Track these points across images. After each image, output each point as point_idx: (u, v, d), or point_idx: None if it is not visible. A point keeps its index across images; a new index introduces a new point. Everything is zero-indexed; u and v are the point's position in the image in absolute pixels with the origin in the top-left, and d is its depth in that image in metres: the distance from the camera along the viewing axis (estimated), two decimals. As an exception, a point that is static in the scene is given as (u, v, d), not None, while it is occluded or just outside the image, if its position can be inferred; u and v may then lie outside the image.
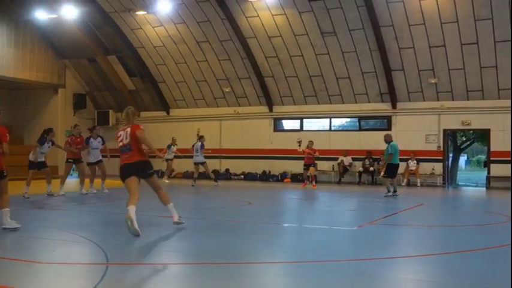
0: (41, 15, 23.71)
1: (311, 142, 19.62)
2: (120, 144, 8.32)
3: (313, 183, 19.57)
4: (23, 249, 7.17)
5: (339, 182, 23.01)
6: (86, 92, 28.01)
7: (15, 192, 16.62)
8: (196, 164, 20.31)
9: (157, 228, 9.15)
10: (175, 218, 8.77)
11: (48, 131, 14.72)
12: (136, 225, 7.62)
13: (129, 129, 8.28)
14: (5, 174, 8.57)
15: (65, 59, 26.84)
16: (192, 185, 19.79)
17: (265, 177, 24.71)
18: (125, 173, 8.26)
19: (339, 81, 22.83)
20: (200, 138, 20.42)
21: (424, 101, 21.94)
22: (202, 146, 20.16)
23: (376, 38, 20.70)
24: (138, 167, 8.28)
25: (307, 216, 12.15)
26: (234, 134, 25.47)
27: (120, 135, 8.35)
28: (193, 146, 20.39)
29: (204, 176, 21.91)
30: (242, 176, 25.27)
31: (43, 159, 14.64)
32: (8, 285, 5.04)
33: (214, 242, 7.80)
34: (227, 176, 25.47)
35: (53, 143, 14.92)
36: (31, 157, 14.51)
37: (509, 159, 19.75)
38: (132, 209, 7.77)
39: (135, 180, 8.22)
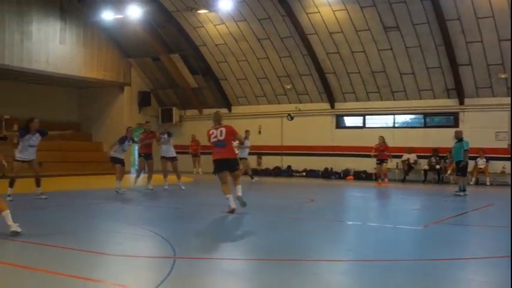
0: (107, 16, 24.47)
1: (382, 137, 19.69)
2: (215, 140, 10.28)
3: (386, 180, 19.65)
4: (94, 241, 7.44)
5: (403, 180, 22.57)
6: (150, 89, 28.66)
7: (90, 187, 17.27)
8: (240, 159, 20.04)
9: (221, 224, 9.29)
10: (232, 205, 10.13)
11: (127, 129, 15.42)
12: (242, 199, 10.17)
13: (223, 129, 10.28)
14: None
15: (130, 58, 27.56)
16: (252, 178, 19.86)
17: (327, 174, 24.55)
18: (220, 167, 10.37)
19: (403, 77, 22.37)
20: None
21: (493, 96, 21.15)
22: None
23: (441, 32, 20.12)
24: (230, 163, 10.40)
25: (370, 215, 12.00)
26: (295, 130, 25.41)
27: (213, 133, 10.31)
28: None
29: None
30: (304, 173, 25.20)
31: (122, 157, 14.99)
32: (81, 276, 5.25)
33: (277, 239, 7.83)
34: (289, 173, 25.47)
35: (133, 141, 15.45)
36: (113, 153, 14.94)
37: None
38: (231, 197, 10.11)
39: (227, 174, 10.40)
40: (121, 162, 14.96)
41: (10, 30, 22.27)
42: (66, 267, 5.65)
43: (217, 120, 10.58)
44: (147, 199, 13.42)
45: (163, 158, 16.21)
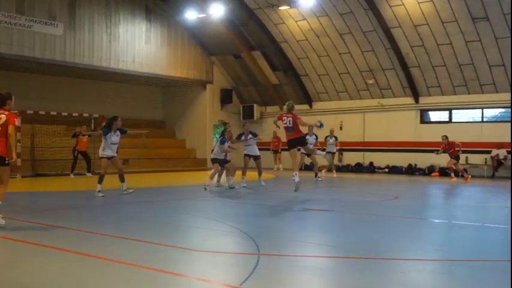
0: (190, 15, 25.03)
1: (445, 137, 19.26)
2: (285, 125, 12.48)
3: (465, 175, 19.10)
4: (177, 236, 7.62)
5: (492, 177, 21.59)
6: (232, 87, 29.04)
7: (174, 184, 17.75)
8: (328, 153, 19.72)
9: (301, 221, 9.25)
10: (297, 179, 12.10)
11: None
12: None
13: (291, 118, 12.36)
14: (6, 161, 7.97)
15: (212, 56, 28.04)
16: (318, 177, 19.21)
17: (411, 170, 23.90)
18: (291, 145, 12.64)
19: (492, 70, 21.36)
20: None
21: None
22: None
23: (535, 21, 19.07)
24: (298, 141, 12.77)
25: (457, 212, 11.54)
26: (377, 126, 24.92)
27: (284, 120, 12.49)
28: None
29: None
30: (386, 170, 24.68)
31: (222, 157, 15.06)
32: (164, 270, 5.38)
33: (361, 236, 7.70)
34: (371, 169, 25.03)
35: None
36: (213, 155, 15.13)
37: None
38: (297, 174, 12.14)
39: (297, 152, 13.04)
40: (220, 161, 15.00)
41: (98, 32, 23.28)
42: (150, 261, 5.80)
43: (290, 109, 12.69)
44: (229, 196, 13.57)
45: (246, 155, 16.13)
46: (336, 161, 23.61)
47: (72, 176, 19.78)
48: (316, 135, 18.72)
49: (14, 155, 8.03)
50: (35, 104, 20.93)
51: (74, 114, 21.36)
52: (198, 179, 18.44)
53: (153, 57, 25.39)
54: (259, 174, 16.24)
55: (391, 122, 24.50)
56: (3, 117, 7.91)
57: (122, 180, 12.86)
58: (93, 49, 23.05)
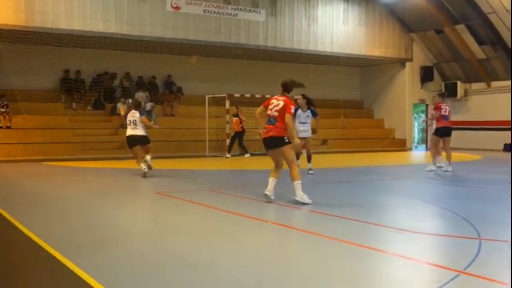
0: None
1: None
2: None
3: None
4: (382, 215, 7.53)
5: None
6: (432, 64, 27.74)
7: (373, 164, 17.59)
8: None
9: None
10: None
11: None
12: None
13: None
14: (286, 140, 8.04)
15: (411, 33, 27.03)
16: None
17: None
18: None
19: None
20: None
21: None
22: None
23: None
24: None
25: None
26: None
27: None
28: None
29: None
30: None
31: None
32: (374, 247, 5.33)
33: None
34: None
35: None
36: None
37: None
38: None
39: None
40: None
41: (298, 16, 23.84)
42: (362, 239, 5.80)
43: None
44: (434, 177, 12.99)
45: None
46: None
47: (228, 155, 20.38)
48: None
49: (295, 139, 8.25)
50: (240, 88, 22.20)
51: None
52: (397, 159, 18.02)
53: (350, 38, 25.29)
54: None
55: None
56: (281, 103, 8.05)
57: (309, 160, 12.90)
58: (293, 33, 23.71)
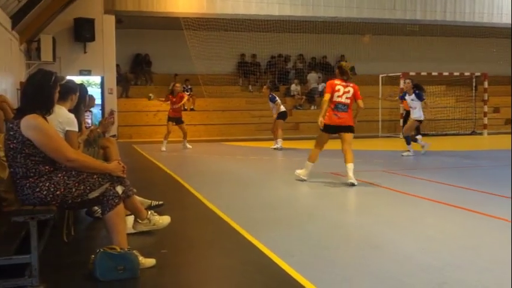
0: None
1: None
2: None
3: None
4: None
5: None
6: None
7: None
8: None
9: None
10: None
11: None
12: None
13: None
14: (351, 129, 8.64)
15: None
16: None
17: None
18: None
19: None
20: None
21: None
22: None
23: None
24: None
25: None
26: None
27: None
28: None
29: None
30: None
31: None
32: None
33: None
34: None
35: None
36: None
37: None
38: None
39: None
40: None
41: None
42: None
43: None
44: None
45: None
46: None
47: None
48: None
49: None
50: (417, 66, 21.36)
51: (455, 74, 21.11)
52: None
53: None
54: None
55: None
56: (351, 90, 8.35)
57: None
58: (474, 5, 22.18)
